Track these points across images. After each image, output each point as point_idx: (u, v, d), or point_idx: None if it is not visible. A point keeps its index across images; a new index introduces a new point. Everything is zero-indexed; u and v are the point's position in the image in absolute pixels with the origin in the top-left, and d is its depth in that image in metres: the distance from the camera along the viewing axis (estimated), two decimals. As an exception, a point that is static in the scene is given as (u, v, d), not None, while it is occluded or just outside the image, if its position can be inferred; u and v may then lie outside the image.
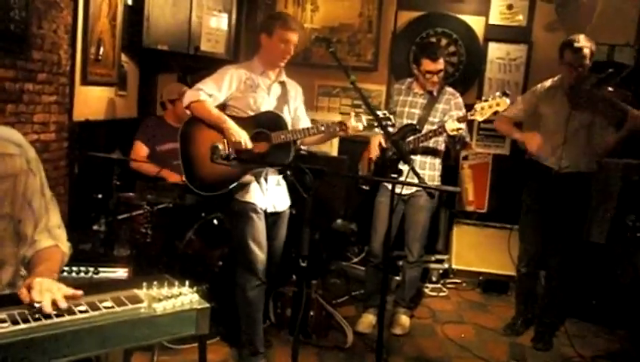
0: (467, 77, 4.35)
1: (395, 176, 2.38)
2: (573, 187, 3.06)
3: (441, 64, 3.10)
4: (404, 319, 3.33)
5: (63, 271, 1.91)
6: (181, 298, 1.34)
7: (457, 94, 3.21)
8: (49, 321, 1.20)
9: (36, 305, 1.23)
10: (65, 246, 1.59)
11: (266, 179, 2.63)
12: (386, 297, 2.19)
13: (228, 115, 2.56)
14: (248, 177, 2.58)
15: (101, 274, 2.15)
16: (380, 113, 2.47)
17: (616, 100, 2.95)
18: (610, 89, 2.96)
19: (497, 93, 2.89)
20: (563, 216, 3.09)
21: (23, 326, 1.16)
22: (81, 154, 3.33)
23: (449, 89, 3.22)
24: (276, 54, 2.57)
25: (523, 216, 3.28)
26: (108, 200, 3.07)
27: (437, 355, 3.05)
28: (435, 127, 3.04)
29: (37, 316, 1.20)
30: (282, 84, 2.69)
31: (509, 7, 4.25)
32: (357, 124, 2.54)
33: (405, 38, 4.37)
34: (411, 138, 3.06)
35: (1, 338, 1.11)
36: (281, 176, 2.72)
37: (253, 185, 2.61)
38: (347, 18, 4.42)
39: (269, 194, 2.65)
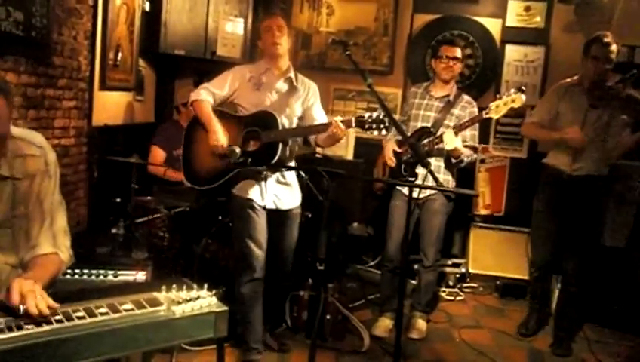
0: (484, 80, 4.32)
1: (413, 179, 2.36)
2: (585, 190, 3.02)
3: (458, 52, 3.10)
4: (421, 323, 3.30)
5: (83, 273, 1.93)
6: (200, 301, 1.35)
7: (474, 104, 3.17)
8: (71, 323, 1.21)
9: (20, 307, 1.21)
10: (65, 255, 1.57)
11: (265, 177, 2.63)
12: (403, 302, 2.18)
13: (229, 113, 2.66)
14: (243, 173, 2.60)
15: (120, 277, 2.17)
16: (380, 114, 2.39)
17: None
18: (632, 89, 2.93)
19: (512, 90, 2.84)
20: (576, 219, 3.06)
21: (46, 327, 1.19)
22: (99, 158, 3.37)
23: (466, 97, 3.19)
24: (266, 46, 2.63)
25: (535, 221, 3.25)
26: (126, 204, 3.11)
27: (454, 360, 3.02)
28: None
29: (58, 318, 1.22)
30: (289, 81, 2.67)
31: (527, 8, 4.21)
32: (342, 125, 2.42)
33: (421, 42, 4.35)
34: (426, 141, 3.04)
35: (24, 340, 1.13)
36: (290, 174, 2.69)
37: (252, 181, 2.62)
38: (363, 22, 4.42)
39: (270, 190, 2.64)
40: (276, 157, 2.51)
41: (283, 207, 2.69)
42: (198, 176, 2.68)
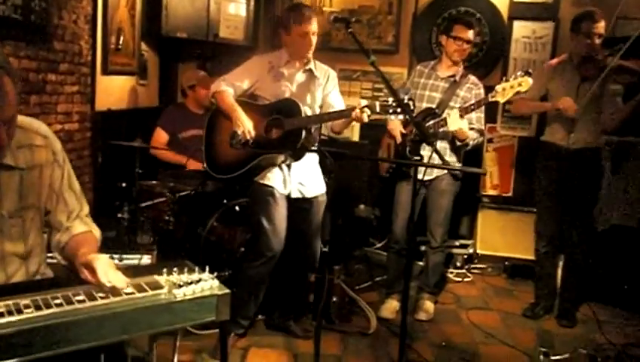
0: (491, 57, 4.23)
1: (418, 158, 2.31)
2: (584, 161, 3.10)
3: (472, 35, 3.03)
4: (428, 305, 3.29)
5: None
6: (201, 284, 1.34)
7: (480, 85, 3.11)
8: (71, 307, 1.20)
9: (107, 284, 1.28)
10: (97, 233, 1.64)
11: (288, 165, 2.63)
12: (409, 283, 2.16)
13: (252, 102, 2.64)
14: (265, 161, 2.60)
15: (125, 261, 2.17)
16: (404, 98, 2.38)
17: (633, 66, 2.93)
18: (624, 61, 2.96)
19: (519, 73, 2.79)
20: (577, 191, 3.12)
21: (45, 311, 1.18)
22: (104, 143, 3.36)
23: (472, 78, 3.12)
24: (299, 49, 2.60)
25: (538, 197, 3.29)
26: (131, 188, 3.10)
27: (462, 341, 3.01)
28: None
29: (58, 302, 1.21)
30: (308, 72, 2.69)
31: (535, -17, 4.10)
32: (363, 114, 2.41)
33: (426, 20, 4.26)
34: (431, 122, 2.99)
35: (24, 324, 1.12)
36: (314, 161, 2.70)
37: (275, 170, 2.63)
38: (367, 0, 4.33)
39: (293, 179, 2.64)
40: (299, 144, 2.49)
41: (309, 194, 2.69)
42: (219, 165, 2.69)
